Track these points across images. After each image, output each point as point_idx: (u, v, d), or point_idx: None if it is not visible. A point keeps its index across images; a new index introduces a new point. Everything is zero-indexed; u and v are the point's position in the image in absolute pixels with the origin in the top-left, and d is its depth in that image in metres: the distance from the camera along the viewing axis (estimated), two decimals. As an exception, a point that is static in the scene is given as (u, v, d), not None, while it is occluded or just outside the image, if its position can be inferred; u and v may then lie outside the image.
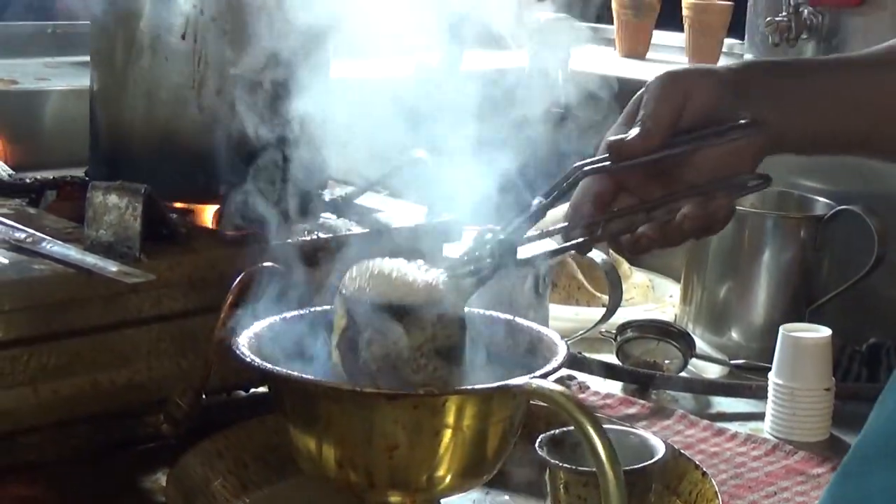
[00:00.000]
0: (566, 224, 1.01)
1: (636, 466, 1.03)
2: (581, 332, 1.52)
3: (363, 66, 1.52)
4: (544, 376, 0.94)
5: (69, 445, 1.16)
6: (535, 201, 0.99)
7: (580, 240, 1.00)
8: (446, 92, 1.19)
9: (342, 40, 1.27)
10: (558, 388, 0.90)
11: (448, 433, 0.94)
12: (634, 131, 1.00)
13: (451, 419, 0.94)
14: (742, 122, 1.01)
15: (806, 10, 1.83)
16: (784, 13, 1.85)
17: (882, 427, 0.96)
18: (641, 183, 1.02)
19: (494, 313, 1.09)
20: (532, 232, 1.00)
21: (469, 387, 0.95)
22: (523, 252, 0.99)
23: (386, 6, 1.22)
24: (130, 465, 1.19)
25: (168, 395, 1.14)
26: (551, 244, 1.02)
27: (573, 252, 1.01)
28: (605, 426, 0.89)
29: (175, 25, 1.24)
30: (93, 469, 1.17)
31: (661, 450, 1.08)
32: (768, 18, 1.89)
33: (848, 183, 1.73)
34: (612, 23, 2.38)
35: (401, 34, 1.26)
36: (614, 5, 2.36)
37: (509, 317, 1.09)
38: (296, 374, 0.95)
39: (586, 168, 1.00)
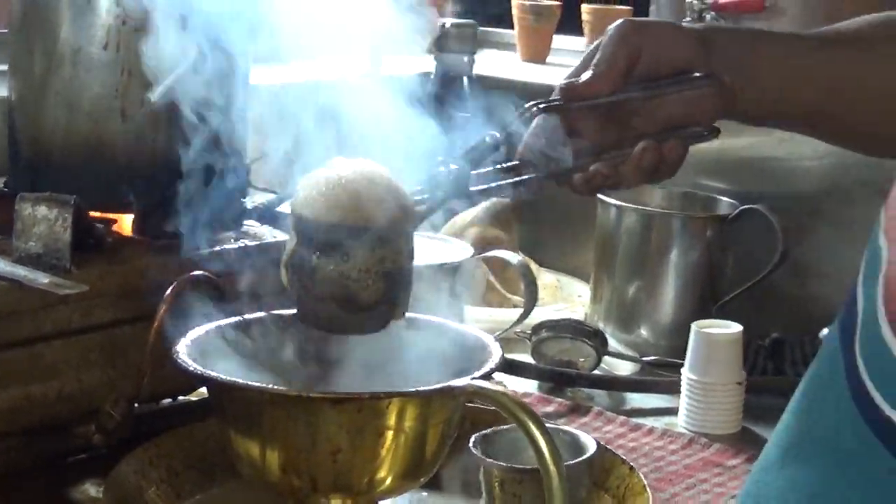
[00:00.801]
0: (517, 161, 1.03)
1: (571, 462, 1.06)
2: (499, 333, 1.54)
3: (283, 71, 1.53)
4: (484, 377, 0.96)
5: (1, 459, 1.15)
6: (489, 136, 1.01)
7: (529, 176, 1.03)
8: (366, 97, 1.20)
9: (262, 46, 1.27)
10: (500, 388, 0.92)
11: (390, 435, 0.95)
12: (587, 74, 1.02)
13: (393, 421, 0.95)
14: (698, 75, 1.03)
15: (709, 16, 1.86)
16: (688, 18, 1.88)
17: (801, 420, 0.99)
18: (594, 126, 1.04)
19: (426, 316, 1.10)
20: (484, 168, 1.02)
21: (412, 389, 0.96)
22: (474, 185, 1.01)
23: (306, 11, 1.23)
24: (61, 477, 1.18)
25: (99, 406, 1.14)
26: (501, 179, 1.04)
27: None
28: (543, 425, 0.91)
29: (97, 36, 1.24)
30: (24, 482, 1.16)
31: (591, 446, 1.10)
32: (671, 24, 1.93)
33: (751, 183, 1.77)
34: (513, 27, 2.42)
35: (322, 39, 1.26)
36: (515, 11, 2.39)
37: (441, 319, 1.11)
38: (240, 381, 0.96)
39: (540, 106, 1.03)
